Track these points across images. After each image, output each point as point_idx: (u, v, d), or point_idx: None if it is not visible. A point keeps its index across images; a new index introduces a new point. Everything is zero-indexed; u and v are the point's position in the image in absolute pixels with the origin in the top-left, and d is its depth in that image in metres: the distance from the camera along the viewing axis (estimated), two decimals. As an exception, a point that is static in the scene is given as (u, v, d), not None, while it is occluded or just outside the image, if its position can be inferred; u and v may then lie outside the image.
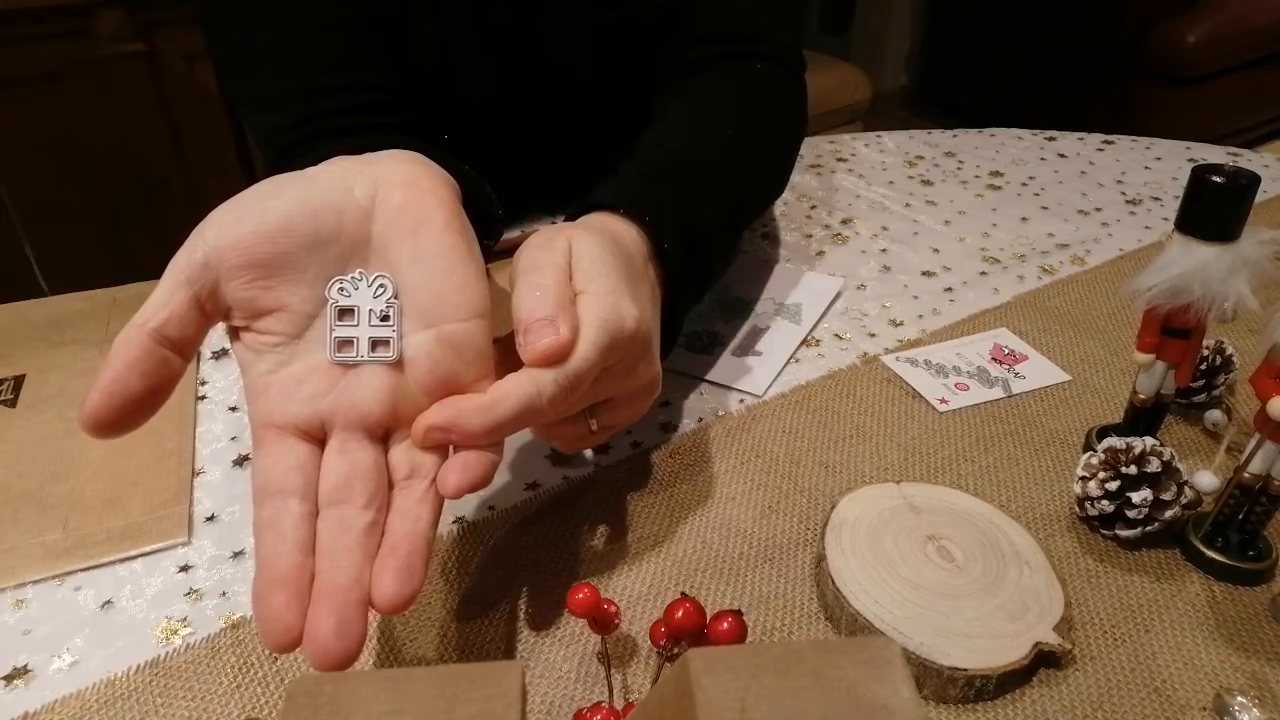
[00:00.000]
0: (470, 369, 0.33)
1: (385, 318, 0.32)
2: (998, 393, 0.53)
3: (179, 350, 0.31)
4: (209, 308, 0.31)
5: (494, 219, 0.45)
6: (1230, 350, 0.50)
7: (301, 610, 0.28)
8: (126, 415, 0.29)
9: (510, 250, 0.40)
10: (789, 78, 0.64)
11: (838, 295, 0.63)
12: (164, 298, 0.30)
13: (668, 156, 0.52)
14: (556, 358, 0.33)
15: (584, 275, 0.36)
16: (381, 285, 0.33)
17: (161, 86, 1.51)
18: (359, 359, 0.32)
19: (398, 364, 0.33)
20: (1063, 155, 0.89)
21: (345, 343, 0.32)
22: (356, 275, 0.33)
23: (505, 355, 0.34)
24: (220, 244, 0.31)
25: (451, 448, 0.33)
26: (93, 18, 1.41)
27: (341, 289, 0.32)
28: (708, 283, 0.52)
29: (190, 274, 0.31)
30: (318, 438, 0.32)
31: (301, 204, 0.32)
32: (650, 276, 0.43)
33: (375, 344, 0.32)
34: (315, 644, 0.27)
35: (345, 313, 0.32)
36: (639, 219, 0.43)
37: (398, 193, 0.33)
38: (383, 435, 0.33)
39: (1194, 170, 0.38)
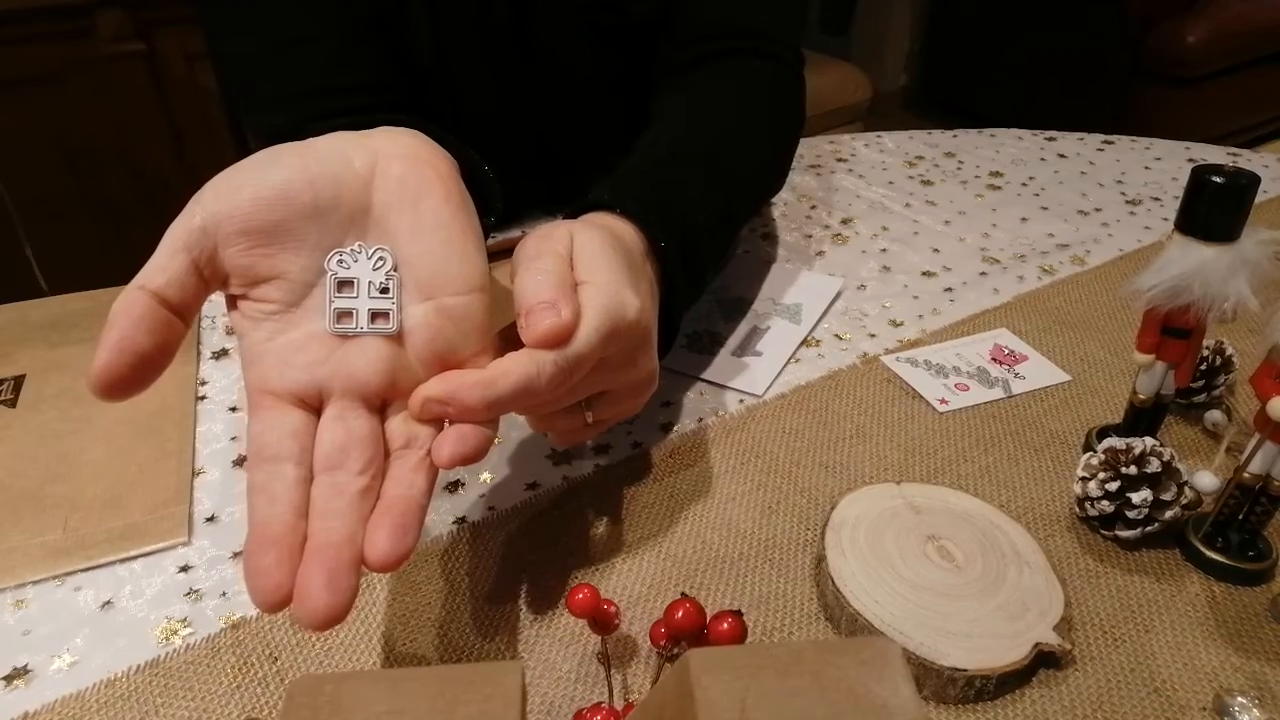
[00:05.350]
0: (469, 342, 0.33)
1: (385, 290, 0.32)
2: (998, 393, 0.53)
3: (179, 315, 0.30)
4: (207, 274, 0.31)
5: (493, 196, 0.45)
6: (1230, 350, 0.50)
7: (292, 569, 0.28)
8: (137, 373, 0.29)
9: (509, 250, 0.40)
10: (787, 74, 0.64)
11: (838, 295, 0.63)
12: (163, 261, 0.30)
13: (665, 155, 0.52)
14: (558, 340, 0.33)
15: (585, 266, 0.36)
16: (381, 258, 0.32)
17: (161, 86, 1.51)
18: (358, 330, 0.32)
19: (397, 336, 0.33)
20: (1063, 155, 0.89)
21: (344, 314, 0.32)
22: (356, 248, 0.32)
23: (507, 347, 0.34)
24: (218, 211, 0.31)
25: (447, 420, 0.33)
26: (93, 18, 1.41)
27: (341, 261, 0.32)
28: (705, 280, 0.52)
29: (188, 240, 0.30)
30: (314, 406, 0.32)
31: (300, 172, 0.32)
32: (649, 272, 0.43)
33: (375, 316, 0.32)
34: (304, 600, 0.27)
35: (344, 284, 0.32)
36: (636, 217, 0.44)
37: (397, 165, 0.33)
38: (380, 406, 0.33)
39: (1194, 170, 0.38)
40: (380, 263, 0.32)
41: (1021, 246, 0.71)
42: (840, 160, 0.88)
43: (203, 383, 0.55)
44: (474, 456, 0.31)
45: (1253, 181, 0.37)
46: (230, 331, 0.59)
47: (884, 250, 0.70)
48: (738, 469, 0.47)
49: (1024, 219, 0.75)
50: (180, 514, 0.44)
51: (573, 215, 0.44)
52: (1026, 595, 0.37)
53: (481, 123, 0.64)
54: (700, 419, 0.51)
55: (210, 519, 0.44)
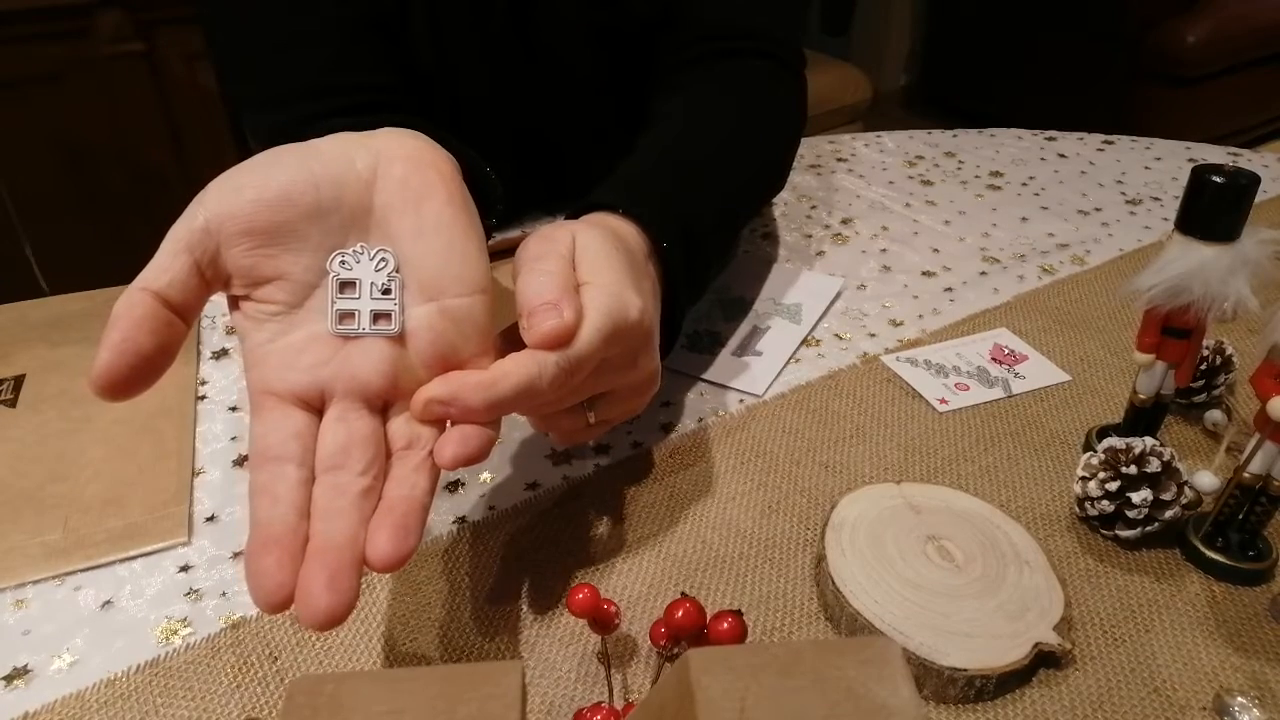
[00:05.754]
0: (471, 343, 0.33)
1: (387, 291, 0.32)
2: (998, 393, 0.53)
3: (181, 316, 0.30)
4: (209, 275, 0.31)
5: (494, 197, 0.45)
6: (1230, 350, 0.50)
7: (294, 569, 0.28)
8: (138, 374, 0.29)
9: (510, 250, 0.40)
10: (788, 75, 0.64)
11: (838, 295, 0.63)
12: (165, 262, 0.30)
13: (666, 156, 0.52)
14: (560, 341, 0.33)
15: (588, 267, 0.36)
16: (383, 259, 0.33)
17: (161, 86, 1.50)
18: (361, 331, 0.32)
19: (399, 337, 0.33)
20: (1063, 155, 0.88)
21: (347, 315, 0.32)
22: (358, 249, 0.33)
23: (509, 347, 0.34)
24: (221, 211, 0.31)
25: (449, 421, 0.33)
26: (93, 18, 1.41)
27: (343, 262, 0.32)
28: (707, 281, 0.53)
29: (190, 240, 0.30)
30: (316, 407, 0.32)
31: (303, 173, 0.32)
32: (651, 273, 0.43)
33: (377, 317, 0.32)
34: (306, 600, 0.27)
35: (347, 285, 0.32)
36: (638, 218, 0.44)
37: (399, 166, 0.33)
38: (382, 407, 0.33)
39: (1194, 170, 0.38)
40: (382, 264, 0.33)
41: (1021, 246, 0.71)
42: (840, 160, 0.88)
43: (203, 382, 0.55)
44: (476, 457, 0.31)
45: (1253, 181, 0.37)
46: (230, 331, 0.59)
47: (884, 250, 0.70)
48: (738, 469, 0.47)
49: (1024, 219, 0.75)
50: (180, 514, 0.44)
51: (574, 216, 0.44)
52: (1026, 595, 0.37)
53: (482, 122, 0.64)
54: (700, 419, 0.51)
55: (210, 519, 0.44)
